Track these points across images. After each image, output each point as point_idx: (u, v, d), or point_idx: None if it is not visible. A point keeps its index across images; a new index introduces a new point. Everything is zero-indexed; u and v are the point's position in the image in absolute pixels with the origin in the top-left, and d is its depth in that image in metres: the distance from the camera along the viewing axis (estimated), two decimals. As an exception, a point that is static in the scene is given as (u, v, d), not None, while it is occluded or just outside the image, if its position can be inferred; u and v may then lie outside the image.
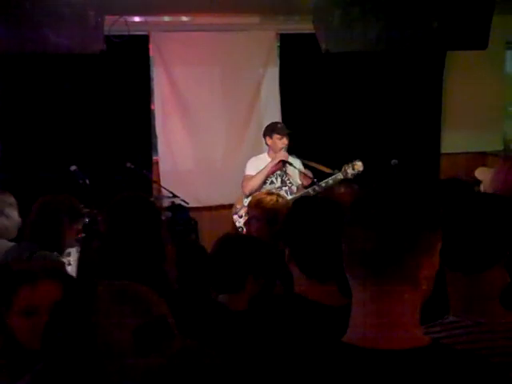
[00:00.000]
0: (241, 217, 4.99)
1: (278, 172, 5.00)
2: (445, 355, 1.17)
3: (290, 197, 4.84)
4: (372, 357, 1.14)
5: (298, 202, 2.01)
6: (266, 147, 5.16)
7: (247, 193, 4.95)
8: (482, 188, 3.54)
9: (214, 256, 2.42)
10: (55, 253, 3.04)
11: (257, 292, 2.32)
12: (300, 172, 5.02)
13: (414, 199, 1.22)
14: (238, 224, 5.01)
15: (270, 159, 5.02)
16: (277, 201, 3.37)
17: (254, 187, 4.90)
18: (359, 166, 4.68)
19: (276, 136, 4.98)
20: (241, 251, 2.35)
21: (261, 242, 2.48)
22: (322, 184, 4.69)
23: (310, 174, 4.98)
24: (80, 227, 3.32)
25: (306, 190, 4.85)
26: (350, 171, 4.67)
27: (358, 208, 1.22)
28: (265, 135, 5.10)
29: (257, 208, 3.44)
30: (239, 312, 2.17)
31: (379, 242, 1.16)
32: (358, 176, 4.67)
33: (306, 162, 5.04)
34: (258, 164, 5.04)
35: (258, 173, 4.94)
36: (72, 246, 3.40)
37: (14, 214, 3.42)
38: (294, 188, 4.99)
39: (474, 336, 1.50)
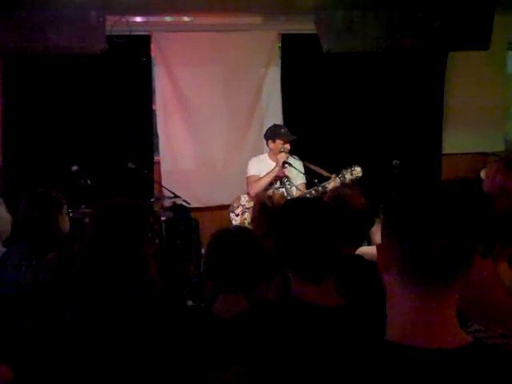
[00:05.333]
0: (237, 215, 4.99)
1: (277, 173, 4.99)
2: (490, 353, 1.20)
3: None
4: (425, 355, 1.15)
5: (285, 204, 2.02)
6: (267, 147, 5.15)
7: (253, 194, 4.96)
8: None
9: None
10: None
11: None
12: (299, 177, 5.00)
13: (471, 204, 1.21)
14: (234, 222, 5.01)
15: (270, 161, 5.01)
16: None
17: (261, 189, 4.91)
18: (358, 171, 4.63)
19: (279, 141, 4.94)
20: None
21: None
22: (320, 188, 4.66)
23: (304, 185, 4.98)
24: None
25: (304, 192, 4.84)
26: (348, 176, 4.63)
27: (421, 213, 1.17)
28: (267, 138, 5.04)
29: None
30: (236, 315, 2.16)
31: (451, 249, 1.16)
32: (356, 181, 4.63)
33: (307, 163, 5.02)
34: (259, 165, 5.03)
35: (265, 176, 4.91)
36: None
37: (3, 213, 3.33)
38: (293, 189, 4.97)
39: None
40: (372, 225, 2.81)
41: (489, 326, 1.55)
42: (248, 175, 5.04)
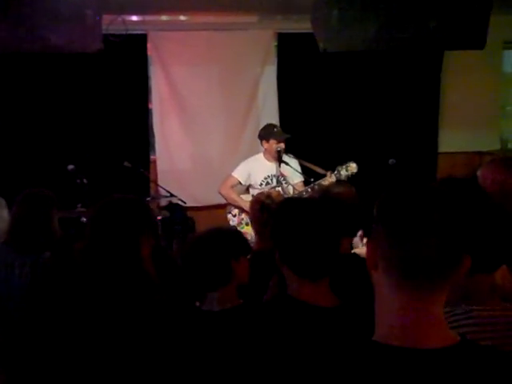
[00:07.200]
0: (234, 216, 4.99)
1: (274, 172, 4.99)
2: (477, 352, 1.19)
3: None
4: (411, 356, 1.14)
5: (284, 203, 2.03)
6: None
7: (221, 192, 5.00)
8: None
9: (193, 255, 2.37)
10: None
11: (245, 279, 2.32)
12: (296, 175, 5.00)
13: (462, 204, 1.19)
14: (231, 223, 5.01)
15: (266, 161, 5.00)
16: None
17: (226, 198, 5.02)
18: (353, 167, 4.63)
19: (273, 141, 4.93)
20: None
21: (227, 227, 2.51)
22: (315, 186, 4.66)
23: (301, 184, 4.98)
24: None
25: (300, 191, 4.84)
26: (343, 172, 4.63)
27: (412, 212, 1.15)
28: (261, 138, 5.03)
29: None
30: (226, 314, 2.16)
31: (440, 249, 1.14)
32: (352, 176, 4.63)
33: (302, 161, 5.02)
34: (253, 165, 5.02)
35: (237, 198, 4.95)
36: None
37: (4, 214, 3.32)
38: (290, 188, 4.96)
39: (462, 322, 1.54)
40: (365, 219, 2.82)
41: (456, 305, 1.56)
42: (232, 174, 5.04)
